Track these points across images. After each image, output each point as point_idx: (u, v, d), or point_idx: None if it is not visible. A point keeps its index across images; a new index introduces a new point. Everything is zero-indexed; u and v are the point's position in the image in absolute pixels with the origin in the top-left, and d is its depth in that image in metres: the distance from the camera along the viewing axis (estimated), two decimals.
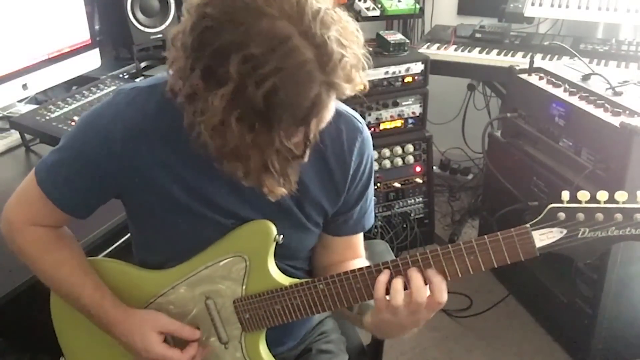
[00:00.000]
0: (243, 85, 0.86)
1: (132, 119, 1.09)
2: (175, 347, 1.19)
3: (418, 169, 2.87)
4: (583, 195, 0.97)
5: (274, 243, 1.16)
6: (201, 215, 1.15)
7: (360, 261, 1.31)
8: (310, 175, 1.16)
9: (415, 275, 1.04)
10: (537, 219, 0.99)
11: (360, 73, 0.94)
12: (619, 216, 0.96)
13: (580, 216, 0.98)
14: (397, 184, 2.84)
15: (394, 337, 1.13)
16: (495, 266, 1.02)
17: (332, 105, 0.95)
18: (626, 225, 0.96)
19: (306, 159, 0.99)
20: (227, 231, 1.17)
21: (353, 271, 1.10)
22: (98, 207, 1.20)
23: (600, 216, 0.97)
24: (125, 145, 1.09)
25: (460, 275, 1.04)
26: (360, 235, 1.33)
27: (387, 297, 1.06)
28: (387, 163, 2.81)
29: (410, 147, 2.84)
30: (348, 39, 0.91)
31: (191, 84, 0.91)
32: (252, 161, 0.93)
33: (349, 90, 0.92)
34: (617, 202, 0.96)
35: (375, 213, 2.76)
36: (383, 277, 1.06)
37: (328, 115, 0.95)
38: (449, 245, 1.03)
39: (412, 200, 2.90)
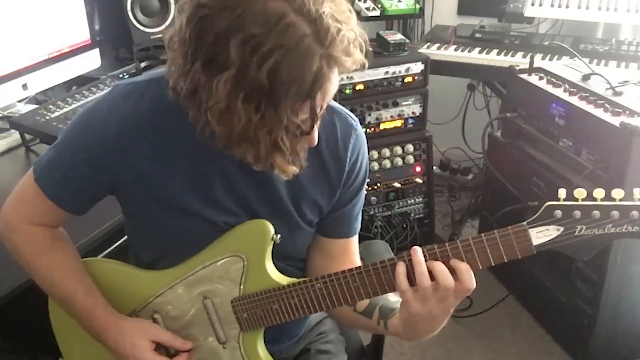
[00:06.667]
0: (245, 67, 0.88)
1: (127, 113, 1.09)
2: (164, 356, 1.19)
3: (418, 169, 2.87)
4: (580, 193, 0.97)
5: (272, 243, 1.17)
6: (194, 212, 1.15)
7: None
8: (305, 171, 1.16)
9: (436, 263, 1.02)
10: (534, 217, 1.00)
11: (359, 50, 0.95)
12: (615, 213, 0.96)
13: (577, 214, 0.98)
14: (397, 184, 2.84)
15: (424, 335, 1.10)
16: (493, 264, 1.02)
17: (336, 79, 0.96)
18: (623, 222, 0.96)
19: (315, 139, 1.01)
20: (220, 231, 1.18)
21: (350, 270, 1.10)
22: (94, 203, 1.20)
23: (597, 214, 0.97)
24: (119, 140, 1.09)
25: None
26: (355, 241, 1.33)
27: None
28: (387, 163, 2.81)
29: (410, 147, 2.84)
30: (342, 15, 0.93)
31: (192, 78, 0.92)
32: (262, 142, 0.95)
33: (349, 64, 0.94)
34: (614, 200, 0.96)
35: (375, 213, 2.80)
36: (401, 269, 1.04)
37: (332, 89, 0.96)
38: (446, 244, 1.03)
39: (412, 200, 2.90)
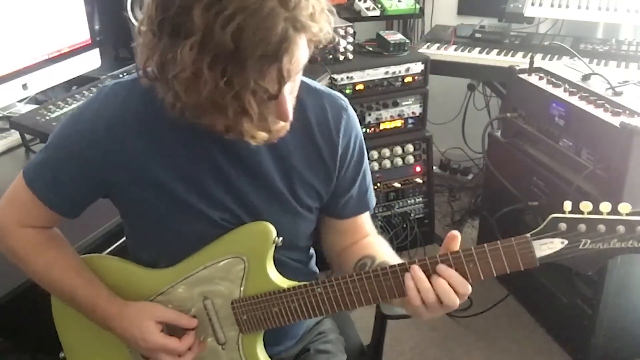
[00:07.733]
0: (210, 31, 0.88)
1: (115, 111, 1.10)
2: (173, 337, 1.19)
3: (418, 169, 2.87)
4: (585, 206, 0.95)
5: (273, 245, 1.17)
6: (189, 207, 1.15)
7: (372, 238, 1.31)
8: (298, 157, 1.17)
9: (440, 280, 1.03)
10: (538, 229, 0.98)
11: (327, 23, 0.96)
12: (621, 228, 0.94)
13: (582, 227, 0.96)
14: (397, 184, 2.85)
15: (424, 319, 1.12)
16: (495, 275, 1.02)
17: (304, 46, 0.96)
18: (628, 237, 0.94)
19: (287, 113, 1.00)
20: (217, 228, 1.18)
21: (351, 276, 1.10)
22: (86, 205, 1.20)
23: (602, 228, 0.95)
24: (108, 138, 1.10)
25: None
26: (367, 214, 1.33)
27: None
28: (387, 163, 2.81)
29: (410, 147, 2.84)
30: None
31: (161, 52, 0.93)
32: (229, 108, 0.94)
33: (316, 29, 0.95)
34: (620, 214, 0.94)
35: (375, 213, 2.80)
36: (411, 284, 1.05)
37: (301, 54, 0.96)
38: (448, 253, 1.03)
39: (412, 200, 2.90)
